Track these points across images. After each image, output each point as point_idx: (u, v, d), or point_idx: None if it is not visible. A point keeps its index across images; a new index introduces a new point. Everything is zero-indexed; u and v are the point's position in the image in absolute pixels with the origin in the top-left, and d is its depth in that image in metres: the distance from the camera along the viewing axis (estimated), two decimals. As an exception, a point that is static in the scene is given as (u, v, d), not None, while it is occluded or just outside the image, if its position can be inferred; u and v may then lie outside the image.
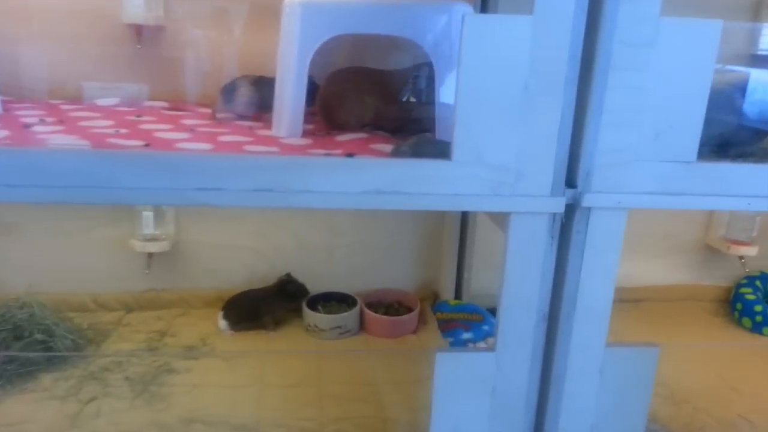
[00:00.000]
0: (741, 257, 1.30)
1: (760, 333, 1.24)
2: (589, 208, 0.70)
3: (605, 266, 0.72)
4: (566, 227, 0.73)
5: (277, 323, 1.19)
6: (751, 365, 1.11)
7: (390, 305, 1.25)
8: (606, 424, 0.78)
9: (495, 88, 0.66)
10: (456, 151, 0.67)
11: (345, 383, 1.01)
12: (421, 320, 1.23)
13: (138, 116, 0.98)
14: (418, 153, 0.79)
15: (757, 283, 1.34)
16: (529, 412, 0.77)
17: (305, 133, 0.89)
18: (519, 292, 0.72)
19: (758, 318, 1.24)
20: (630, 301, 1.34)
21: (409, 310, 1.22)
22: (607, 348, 0.76)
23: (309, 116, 0.90)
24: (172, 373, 1.02)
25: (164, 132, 0.87)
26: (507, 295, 0.73)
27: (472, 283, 1.30)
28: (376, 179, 0.67)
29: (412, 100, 0.97)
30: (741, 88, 1.03)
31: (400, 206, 0.69)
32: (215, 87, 1.03)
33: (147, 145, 0.79)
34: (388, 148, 0.84)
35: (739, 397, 0.99)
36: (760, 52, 1.22)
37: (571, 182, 0.71)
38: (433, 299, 1.30)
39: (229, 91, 1.01)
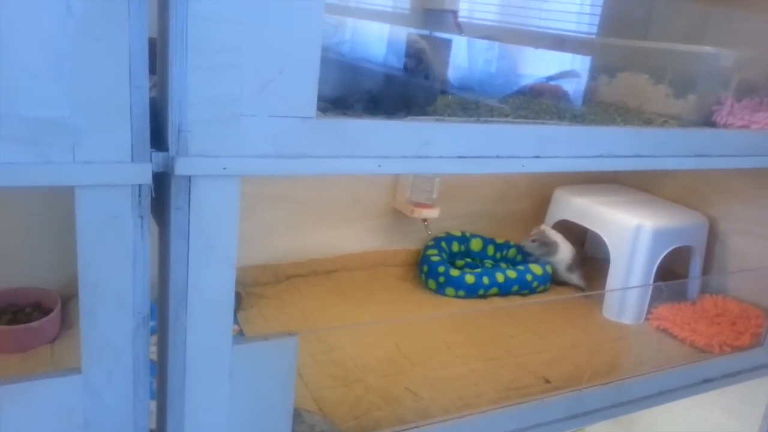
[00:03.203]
0: (424, 220, 1.30)
1: (444, 294, 1.26)
2: (188, 177, 0.54)
3: (220, 248, 0.58)
4: (163, 202, 0.57)
5: None
6: (426, 330, 1.10)
7: (21, 309, 0.98)
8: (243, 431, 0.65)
9: (23, 8, 0.46)
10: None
11: None
12: (66, 324, 0.98)
13: None
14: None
15: (443, 244, 1.36)
16: (140, 440, 0.60)
17: None
18: (103, 291, 0.54)
19: (441, 279, 1.26)
20: (323, 273, 1.26)
21: (48, 313, 0.97)
22: (234, 346, 0.62)
23: None
24: None
25: None
26: (87, 297, 0.54)
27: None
28: None
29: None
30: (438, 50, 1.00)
31: None
32: None
33: None
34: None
35: (411, 368, 0.96)
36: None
37: (160, 143, 0.54)
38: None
39: None
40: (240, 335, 1.01)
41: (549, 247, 1.32)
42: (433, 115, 0.77)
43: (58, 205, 1.04)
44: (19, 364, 0.89)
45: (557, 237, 1.34)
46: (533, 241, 1.32)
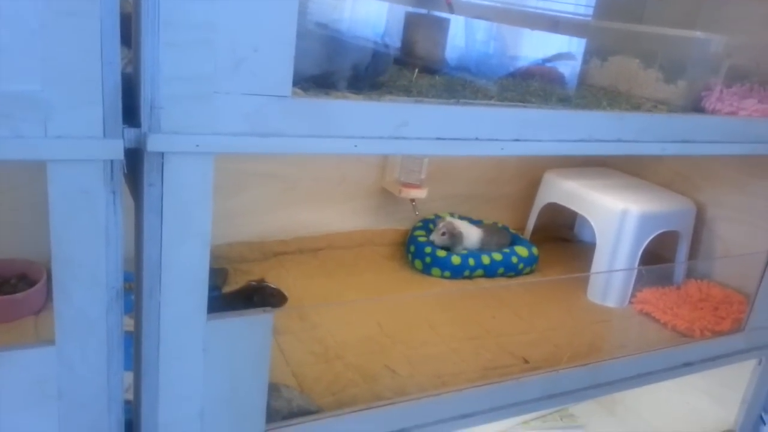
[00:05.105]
0: (412, 200, 1.31)
1: (429, 274, 1.27)
2: (161, 154, 0.54)
3: (193, 225, 0.58)
4: (137, 179, 0.57)
5: None
6: (410, 309, 1.11)
7: (6, 280, 0.99)
8: (218, 407, 0.66)
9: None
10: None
11: None
12: (52, 296, 0.99)
13: None
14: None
15: (431, 225, 1.36)
16: (115, 412, 0.61)
17: None
18: (76, 266, 0.55)
19: (427, 259, 1.26)
20: (309, 251, 1.27)
21: (34, 284, 0.98)
22: (209, 322, 0.63)
23: None
24: None
25: None
26: (60, 271, 0.55)
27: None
28: None
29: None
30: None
31: None
32: None
33: None
34: None
35: (392, 346, 0.98)
36: None
37: (132, 119, 0.54)
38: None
39: None
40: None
41: (455, 237, 1.29)
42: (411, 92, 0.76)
43: (45, 177, 1.04)
44: (3, 335, 0.90)
45: (463, 228, 1.31)
46: (443, 234, 1.28)
